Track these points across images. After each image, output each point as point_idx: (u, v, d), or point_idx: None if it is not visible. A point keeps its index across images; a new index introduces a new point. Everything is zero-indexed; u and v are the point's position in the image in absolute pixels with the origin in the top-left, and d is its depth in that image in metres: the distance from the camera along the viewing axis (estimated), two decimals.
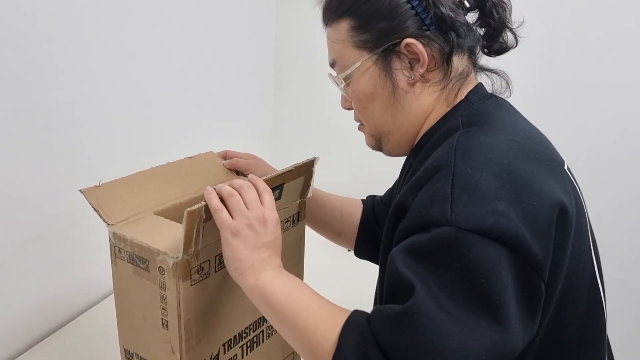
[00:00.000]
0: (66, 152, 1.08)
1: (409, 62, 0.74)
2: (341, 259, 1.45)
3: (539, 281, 0.59)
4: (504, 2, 0.77)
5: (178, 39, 1.37)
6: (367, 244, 1.04)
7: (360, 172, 1.84)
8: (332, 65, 0.81)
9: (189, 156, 0.97)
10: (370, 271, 1.39)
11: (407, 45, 0.72)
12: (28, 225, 1.03)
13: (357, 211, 1.05)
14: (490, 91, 0.80)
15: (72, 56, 1.05)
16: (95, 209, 0.79)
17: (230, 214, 0.71)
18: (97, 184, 0.80)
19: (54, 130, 1.04)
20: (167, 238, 0.76)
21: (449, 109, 0.75)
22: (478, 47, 0.78)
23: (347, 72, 0.77)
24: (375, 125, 0.80)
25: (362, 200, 1.08)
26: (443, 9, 0.71)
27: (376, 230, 1.03)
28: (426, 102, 0.76)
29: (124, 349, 0.85)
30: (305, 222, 0.98)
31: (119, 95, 1.19)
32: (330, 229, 1.05)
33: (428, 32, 0.72)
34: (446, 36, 0.72)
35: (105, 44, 1.13)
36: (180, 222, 0.84)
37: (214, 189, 0.72)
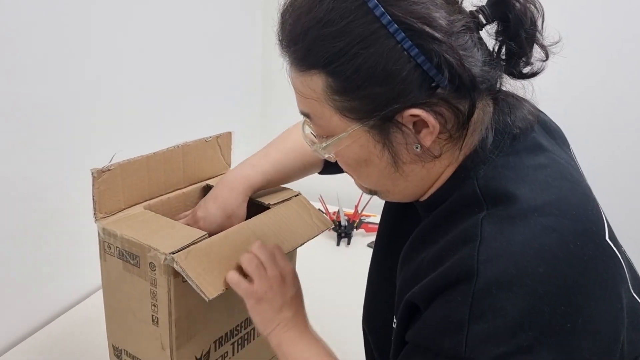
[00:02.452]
0: (52, 146, 1.06)
1: (413, 128, 0.56)
2: (331, 257, 1.45)
3: None
4: (533, 9, 0.56)
5: (166, 39, 1.35)
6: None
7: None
8: (305, 115, 0.62)
9: (207, 138, 0.95)
10: (359, 270, 1.39)
11: (412, 115, 0.54)
12: (13, 220, 1.00)
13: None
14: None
15: (59, 50, 1.03)
16: (94, 199, 0.77)
17: (252, 278, 0.73)
18: (109, 163, 0.78)
19: (39, 124, 1.02)
20: (157, 233, 0.74)
21: (459, 163, 0.60)
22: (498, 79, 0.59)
23: (329, 142, 0.60)
24: (370, 184, 0.65)
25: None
26: (459, 66, 0.53)
27: None
28: (435, 169, 0.60)
29: (113, 346, 0.84)
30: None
31: (107, 91, 1.16)
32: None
33: (439, 91, 0.54)
34: (463, 95, 0.55)
35: (95, 42, 1.11)
36: (168, 216, 0.84)
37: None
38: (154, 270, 0.71)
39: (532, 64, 0.58)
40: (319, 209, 1.57)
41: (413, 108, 0.54)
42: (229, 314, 0.83)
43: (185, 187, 0.92)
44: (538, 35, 0.57)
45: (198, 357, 0.79)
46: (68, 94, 1.07)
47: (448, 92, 0.54)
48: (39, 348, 1.04)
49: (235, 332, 0.85)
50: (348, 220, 1.52)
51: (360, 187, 0.67)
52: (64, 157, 1.08)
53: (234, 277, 0.72)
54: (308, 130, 0.65)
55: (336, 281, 1.31)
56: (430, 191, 0.63)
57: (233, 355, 0.86)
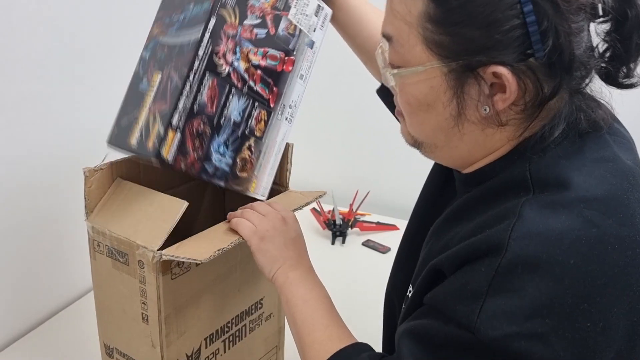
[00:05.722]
0: (44, 142, 1.06)
1: (489, 89, 0.54)
2: (325, 256, 1.45)
3: None
4: None
5: None
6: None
7: (347, 164, 1.84)
8: (386, 38, 0.59)
9: None
10: (354, 268, 1.39)
11: (495, 73, 0.52)
12: (4, 219, 1.01)
13: None
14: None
15: (48, 46, 1.03)
16: (85, 198, 0.78)
17: (253, 224, 0.75)
18: (102, 162, 0.79)
19: (30, 120, 1.02)
20: (147, 224, 0.74)
21: (517, 143, 0.58)
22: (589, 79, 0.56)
23: (403, 71, 0.57)
24: (421, 134, 0.62)
25: None
26: (566, 41, 0.50)
27: None
28: (493, 139, 0.58)
29: (104, 344, 0.84)
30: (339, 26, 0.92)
31: (101, 88, 1.17)
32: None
33: (532, 60, 0.51)
34: (554, 74, 0.52)
35: (92, 41, 1.11)
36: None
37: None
38: (143, 267, 0.72)
39: (632, 76, 0.55)
40: (314, 208, 1.58)
41: (501, 66, 0.51)
42: (220, 311, 0.83)
43: (179, 186, 0.93)
44: None
45: (189, 354, 0.79)
46: (62, 90, 1.07)
47: (539, 65, 0.51)
48: (32, 348, 1.04)
49: (226, 329, 0.85)
50: (343, 219, 1.52)
51: (406, 135, 0.64)
52: (56, 152, 1.08)
53: (235, 219, 0.76)
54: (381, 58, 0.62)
55: (331, 280, 1.29)
56: (479, 164, 0.60)
57: (225, 352, 0.86)
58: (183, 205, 0.72)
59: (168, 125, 0.70)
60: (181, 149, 0.72)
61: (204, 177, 0.76)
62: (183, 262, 0.74)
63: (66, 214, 1.11)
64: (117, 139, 0.77)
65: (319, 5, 0.87)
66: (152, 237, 0.71)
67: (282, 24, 0.82)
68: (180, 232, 0.73)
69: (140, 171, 0.85)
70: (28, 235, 1.06)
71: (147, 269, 0.71)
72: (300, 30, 0.85)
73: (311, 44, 0.87)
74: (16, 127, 0.99)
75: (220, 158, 0.77)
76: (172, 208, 0.73)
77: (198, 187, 0.99)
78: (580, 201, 0.51)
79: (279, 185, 0.93)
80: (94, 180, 0.77)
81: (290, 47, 0.84)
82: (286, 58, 0.84)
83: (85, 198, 0.77)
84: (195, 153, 0.74)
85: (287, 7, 0.83)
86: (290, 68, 0.85)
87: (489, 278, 0.48)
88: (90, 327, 0.89)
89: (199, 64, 0.72)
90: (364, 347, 0.65)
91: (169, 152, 0.71)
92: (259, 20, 0.79)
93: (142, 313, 0.75)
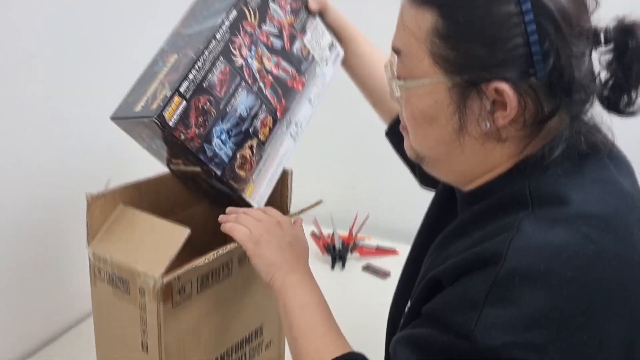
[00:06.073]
0: (49, 153, 1.05)
1: (491, 105, 0.55)
2: (325, 281, 1.44)
3: None
4: None
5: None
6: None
7: (347, 187, 1.84)
8: (396, 51, 0.62)
9: None
10: (354, 293, 1.38)
11: (497, 89, 0.54)
12: (5, 240, 1.00)
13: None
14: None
15: (48, 51, 1.03)
16: (87, 225, 0.78)
17: (247, 229, 0.75)
18: (104, 189, 0.79)
19: (36, 129, 1.02)
20: (149, 251, 0.74)
21: (517, 161, 0.59)
22: (589, 105, 0.58)
23: (410, 84, 0.60)
24: (424, 147, 0.64)
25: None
26: (566, 63, 0.52)
27: None
28: (492, 155, 0.59)
29: None
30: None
31: (105, 93, 1.16)
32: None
33: (533, 80, 0.53)
34: (554, 95, 0.54)
35: (104, 52, 1.12)
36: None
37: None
38: (144, 295, 0.71)
39: (633, 104, 0.57)
40: (313, 232, 1.58)
41: (503, 82, 0.53)
42: (220, 339, 0.83)
43: (182, 212, 0.93)
44: None
45: None
46: (64, 97, 1.07)
47: (540, 85, 0.53)
48: None
49: (226, 357, 0.84)
50: (342, 243, 1.51)
51: (409, 149, 0.66)
52: (61, 165, 1.08)
53: (230, 224, 0.75)
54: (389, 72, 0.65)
55: (331, 305, 1.30)
56: (480, 181, 0.62)
57: None
58: (185, 232, 0.72)
59: (176, 90, 0.72)
60: (184, 119, 0.73)
61: (202, 157, 0.76)
62: (184, 290, 0.74)
63: (67, 236, 1.10)
64: (121, 111, 0.78)
65: (332, 42, 0.92)
66: (153, 264, 0.71)
67: (297, 44, 0.86)
68: (183, 258, 0.73)
69: (142, 197, 0.85)
70: (27, 257, 1.05)
71: (148, 297, 0.71)
72: (313, 57, 0.88)
73: (322, 75, 0.90)
74: (19, 132, 0.99)
75: (220, 145, 0.77)
76: (174, 235, 0.73)
77: (201, 213, 0.99)
78: (579, 217, 0.52)
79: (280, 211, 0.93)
80: (97, 207, 0.77)
81: (302, 68, 0.87)
82: (297, 76, 0.86)
83: (87, 224, 0.77)
84: (197, 129, 0.74)
85: (303, 30, 0.87)
86: (300, 87, 0.87)
87: (487, 288, 0.49)
88: (89, 354, 0.89)
89: (216, 45, 0.75)
90: (360, 357, 0.65)
91: (172, 115, 0.71)
92: (276, 31, 0.83)
93: (142, 341, 0.74)
